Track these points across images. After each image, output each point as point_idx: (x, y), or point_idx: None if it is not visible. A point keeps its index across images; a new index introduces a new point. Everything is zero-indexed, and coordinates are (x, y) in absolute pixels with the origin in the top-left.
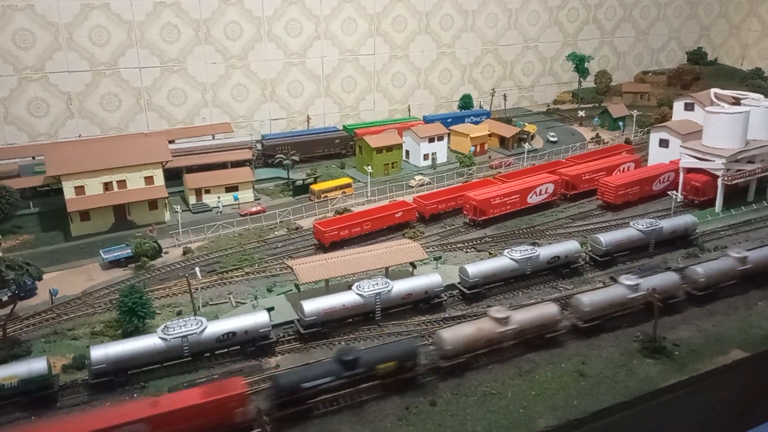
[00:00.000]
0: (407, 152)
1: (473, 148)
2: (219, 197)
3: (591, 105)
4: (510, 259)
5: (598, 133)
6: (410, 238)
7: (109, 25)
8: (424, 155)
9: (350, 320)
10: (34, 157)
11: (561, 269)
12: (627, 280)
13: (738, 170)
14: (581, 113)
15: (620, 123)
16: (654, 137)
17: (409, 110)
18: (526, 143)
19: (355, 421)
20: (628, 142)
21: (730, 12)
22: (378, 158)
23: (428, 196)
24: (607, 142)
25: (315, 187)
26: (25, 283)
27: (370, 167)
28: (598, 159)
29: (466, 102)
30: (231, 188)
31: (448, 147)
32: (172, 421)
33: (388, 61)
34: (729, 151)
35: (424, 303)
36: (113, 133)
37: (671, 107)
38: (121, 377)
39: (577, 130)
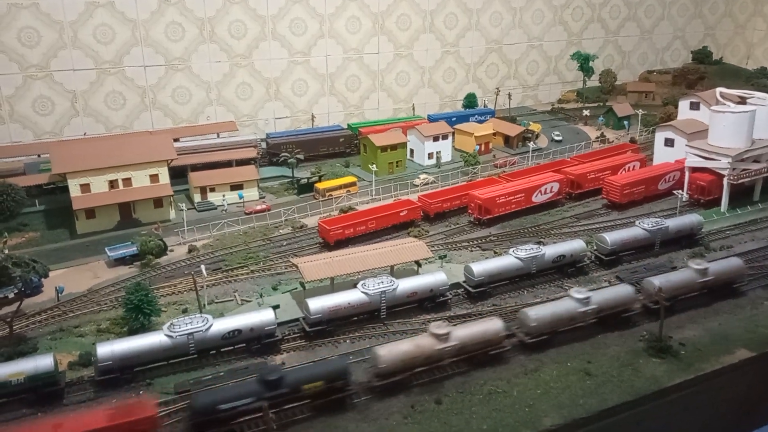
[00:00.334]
0: (412, 151)
1: (478, 147)
2: (224, 195)
3: (595, 104)
4: (515, 257)
5: (603, 132)
6: (415, 236)
7: (114, 24)
8: (429, 154)
9: (355, 318)
10: (39, 155)
11: (566, 268)
12: (577, 293)
13: (744, 169)
14: (586, 112)
15: (625, 122)
16: (659, 136)
17: (413, 109)
18: (531, 142)
19: (360, 419)
20: (633, 141)
21: (735, 11)
22: (382, 157)
23: (433, 194)
24: (612, 141)
25: (320, 186)
26: (31, 280)
27: (374, 166)
28: (603, 158)
29: (470, 101)
30: (236, 186)
31: (453, 146)
32: None
33: (392, 60)
34: (735, 150)
35: (429, 301)
36: (118, 132)
37: (676, 106)
38: (127, 374)
39: (581, 129)
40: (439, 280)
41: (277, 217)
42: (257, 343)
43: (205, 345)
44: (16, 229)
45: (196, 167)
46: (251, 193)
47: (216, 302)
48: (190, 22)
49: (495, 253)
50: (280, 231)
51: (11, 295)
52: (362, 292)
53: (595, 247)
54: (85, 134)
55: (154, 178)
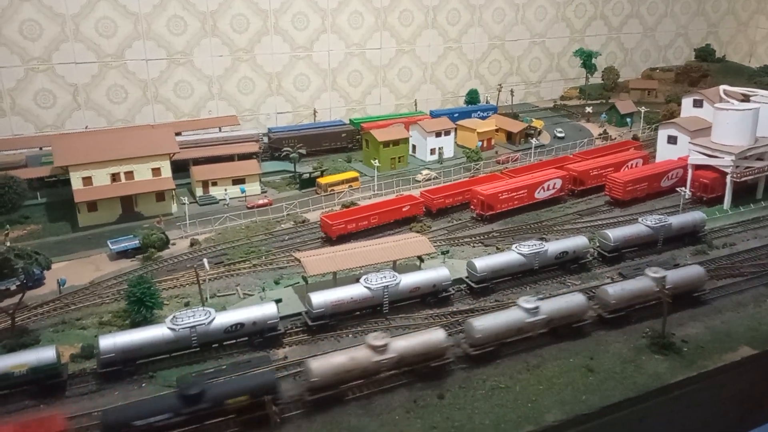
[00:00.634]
0: (414, 147)
1: (480, 143)
2: (226, 189)
3: (598, 101)
4: (518, 253)
5: (605, 129)
6: (417, 232)
7: (116, 17)
8: (431, 150)
9: (358, 313)
10: (41, 148)
11: (569, 264)
12: (525, 302)
13: (747, 167)
14: (588, 109)
15: (628, 119)
16: (662, 133)
17: (416, 105)
18: (534, 139)
19: (363, 414)
20: (635, 138)
21: (737, 9)
22: (385, 152)
23: (436, 190)
24: (615, 139)
25: (322, 181)
26: (33, 272)
27: (376, 161)
28: (605, 155)
29: (472, 97)
30: (238, 181)
31: (455, 142)
32: None
33: (394, 56)
34: (738, 147)
35: (432, 297)
36: (119, 125)
37: (679, 104)
38: (129, 367)
39: (584, 126)
40: (442, 275)
41: (279, 212)
42: (259, 336)
43: (208, 338)
44: (18, 221)
45: (198, 161)
46: (253, 188)
47: (218, 296)
48: (192, 16)
49: (497, 249)
50: (282, 225)
51: (13, 287)
52: (365, 286)
53: (597, 244)
54: (86, 127)
55: (156, 171)
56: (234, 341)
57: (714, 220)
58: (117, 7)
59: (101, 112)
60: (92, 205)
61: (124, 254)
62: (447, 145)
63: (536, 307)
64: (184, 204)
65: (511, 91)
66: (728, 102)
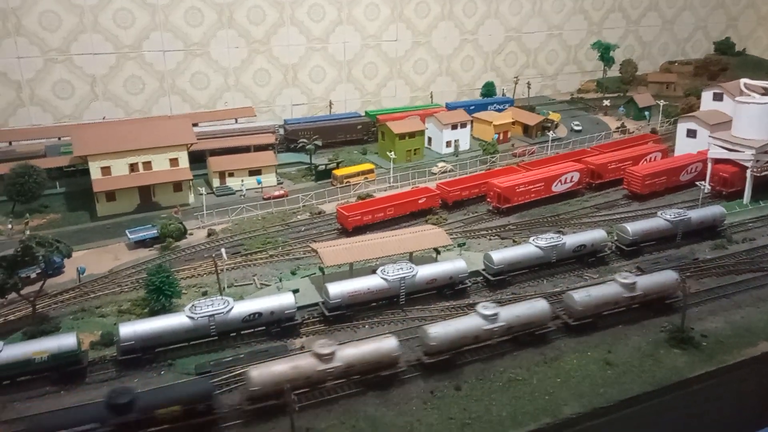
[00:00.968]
0: (429, 139)
1: (496, 136)
2: (242, 180)
3: (616, 94)
4: (535, 246)
5: (623, 123)
6: (433, 224)
7: (134, 8)
8: (447, 142)
9: (374, 304)
10: (59, 138)
11: (587, 258)
12: (484, 308)
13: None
14: (606, 102)
15: (646, 113)
16: (681, 127)
17: (431, 97)
18: (550, 132)
19: (380, 403)
20: (653, 132)
21: (758, 3)
22: (401, 144)
23: (452, 182)
24: (633, 132)
25: (337, 173)
26: (53, 260)
27: (392, 153)
28: (624, 148)
29: (488, 89)
30: (254, 172)
31: (471, 134)
32: None
33: (410, 48)
34: (759, 141)
35: (449, 289)
36: (137, 116)
37: (698, 97)
38: (148, 354)
39: (601, 120)
40: (459, 267)
41: (295, 203)
42: (277, 326)
43: (226, 327)
44: (37, 210)
45: (214, 152)
46: (269, 179)
47: (235, 285)
48: (209, 8)
49: (514, 242)
50: (298, 216)
51: (33, 275)
52: (382, 277)
53: (616, 238)
54: (104, 118)
55: (173, 162)
56: (252, 330)
57: (733, 215)
58: None
59: (119, 102)
60: (111, 195)
61: (142, 244)
62: (463, 137)
63: (495, 314)
64: (202, 194)
65: (528, 84)
66: (749, 95)
